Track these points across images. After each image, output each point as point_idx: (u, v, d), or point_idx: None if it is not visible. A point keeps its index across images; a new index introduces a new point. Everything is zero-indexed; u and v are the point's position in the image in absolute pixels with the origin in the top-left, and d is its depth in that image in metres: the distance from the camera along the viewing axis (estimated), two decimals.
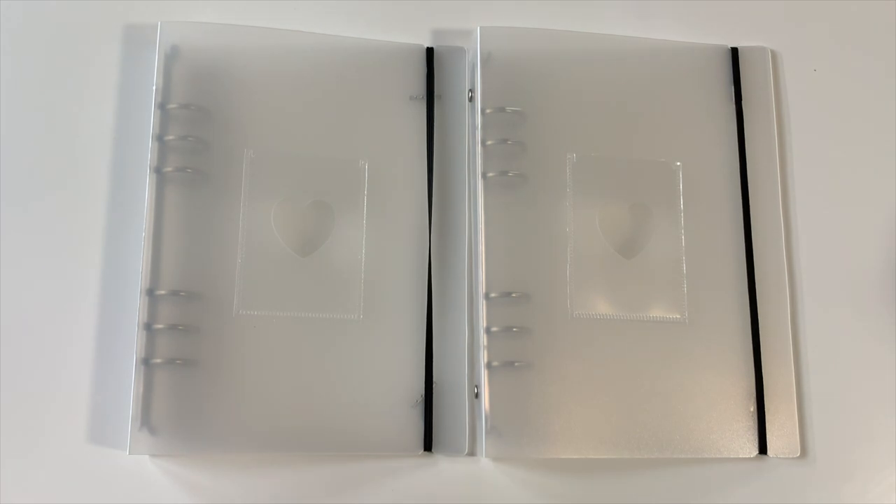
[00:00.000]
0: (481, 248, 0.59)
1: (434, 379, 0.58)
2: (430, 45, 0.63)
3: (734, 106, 0.65)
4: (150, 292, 0.55)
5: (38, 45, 0.61)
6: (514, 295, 0.58)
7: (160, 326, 0.55)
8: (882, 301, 0.63)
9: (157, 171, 0.57)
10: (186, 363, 0.55)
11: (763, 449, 0.59)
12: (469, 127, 0.62)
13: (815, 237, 0.63)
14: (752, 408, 0.59)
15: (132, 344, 0.54)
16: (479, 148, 0.60)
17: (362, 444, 0.56)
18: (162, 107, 0.58)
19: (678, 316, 0.60)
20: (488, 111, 0.61)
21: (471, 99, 0.62)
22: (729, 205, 0.63)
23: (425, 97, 0.62)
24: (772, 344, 0.61)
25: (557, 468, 0.58)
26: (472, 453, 0.57)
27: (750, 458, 0.59)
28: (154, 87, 0.58)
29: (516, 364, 0.57)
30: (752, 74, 0.66)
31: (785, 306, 0.62)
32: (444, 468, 0.57)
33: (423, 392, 0.58)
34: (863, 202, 0.65)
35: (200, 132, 0.58)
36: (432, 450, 0.57)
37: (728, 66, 0.65)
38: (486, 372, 0.57)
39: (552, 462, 0.58)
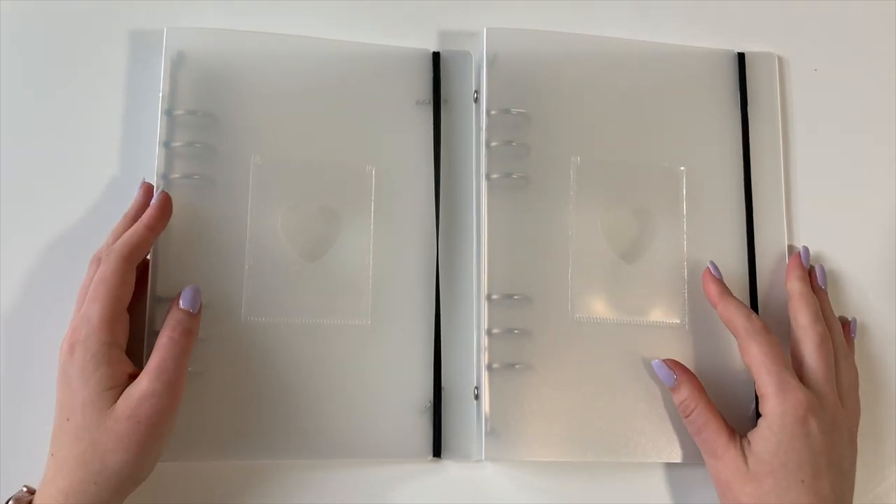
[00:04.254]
0: (483, 249, 0.59)
1: (443, 384, 0.59)
2: (436, 50, 0.63)
3: (740, 111, 0.65)
4: (159, 299, 0.55)
5: (43, 51, 0.60)
6: (515, 297, 0.59)
7: None
8: (884, 306, 0.64)
9: (165, 177, 0.56)
10: (194, 370, 0.55)
11: None
12: (474, 128, 0.62)
13: (819, 244, 0.64)
14: (752, 411, 0.60)
15: (140, 350, 0.54)
16: (483, 149, 0.60)
17: (371, 450, 0.57)
18: (168, 113, 0.57)
19: (678, 321, 0.61)
20: (493, 112, 0.61)
21: (476, 100, 0.62)
22: (732, 210, 0.63)
23: (432, 102, 0.62)
24: None
25: (569, 474, 0.59)
26: (480, 459, 0.58)
27: None
28: (160, 94, 0.57)
29: (517, 366, 0.58)
30: (759, 80, 0.66)
31: (786, 312, 0.62)
32: (453, 474, 0.58)
33: (431, 397, 0.58)
34: (868, 209, 0.66)
35: (207, 138, 0.58)
36: (441, 456, 0.58)
37: (734, 72, 0.65)
38: (486, 374, 0.57)
39: (563, 467, 0.59)
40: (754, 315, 0.57)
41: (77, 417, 0.49)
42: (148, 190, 0.56)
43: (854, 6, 0.69)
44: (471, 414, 0.58)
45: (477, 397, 0.58)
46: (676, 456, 0.59)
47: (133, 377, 0.50)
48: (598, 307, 0.60)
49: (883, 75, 0.68)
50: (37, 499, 0.49)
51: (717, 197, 0.63)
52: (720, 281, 0.59)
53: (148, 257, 0.56)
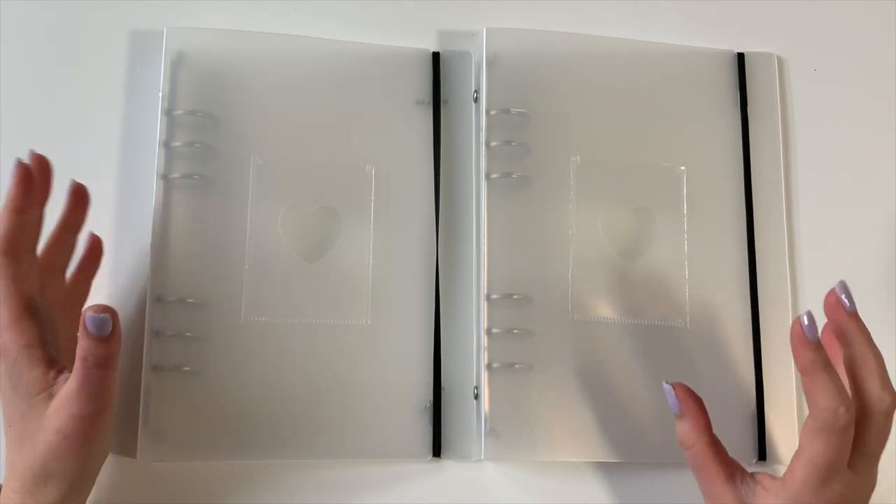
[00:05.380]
0: (483, 248, 0.59)
1: (443, 384, 0.59)
2: (436, 50, 0.63)
3: (739, 111, 0.65)
4: (159, 299, 0.55)
5: (43, 51, 0.60)
6: (515, 297, 0.59)
7: (169, 334, 0.55)
8: (884, 306, 0.64)
9: (164, 177, 0.56)
10: (195, 370, 0.55)
11: (762, 454, 0.60)
12: (474, 128, 0.62)
13: (819, 243, 0.64)
14: (752, 413, 0.60)
15: (140, 351, 0.54)
16: (483, 149, 0.60)
17: (371, 450, 0.57)
18: (168, 113, 0.57)
19: (679, 321, 0.61)
20: (493, 112, 0.61)
21: (476, 100, 0.62)
22: (733, 210, 0.63)
23: (432, 102, 0.62)
24: (773, 350, 0.61)
25: (568, 474, 0.59)
26: (480, 458, 0.58)
27: (749, 465, 0.59)
28: (160, 94, 0.57)
29: (517, 366, 0.58)
30: (759, 80, 0.66)
31: (787, 312, 0.62)
32: (453, 474, 0.58)
33: (431, 397, 0.58)
34: (867, 209, 0.66)
35: (207, 138, 0.58)
36: (441, 456, 0.58)
37: (734, 72, 0.65)
38: (486, 373, 0.57)
39: (563, 467, 0.59)
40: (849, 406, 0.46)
41: (17, 424, 0.47)
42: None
43: (854, 6, 0.69)
44: (471, 414, 0.58)
45: (477, 397, 0.58)
46: (676, 457, 0.58)
47: (61, 372, 0.48)
48: (599, 307, 0.60)
49: (883, 75, 0.68)
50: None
51: (717, 197, 0.63)
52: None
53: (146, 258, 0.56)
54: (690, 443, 0.51)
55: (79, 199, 0.53)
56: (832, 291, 0.49)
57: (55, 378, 0.47)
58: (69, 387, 0.46)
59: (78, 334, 0.46)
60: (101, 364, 0.46)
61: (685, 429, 0.51)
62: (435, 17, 0.64)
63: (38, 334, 0.48)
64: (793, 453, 0.60)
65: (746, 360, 0.61)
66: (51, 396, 0.47)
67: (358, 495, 0.57)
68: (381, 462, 0.57)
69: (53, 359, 0.48)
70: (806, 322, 0.46)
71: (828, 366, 0.46)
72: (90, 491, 0.51)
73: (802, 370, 0.47)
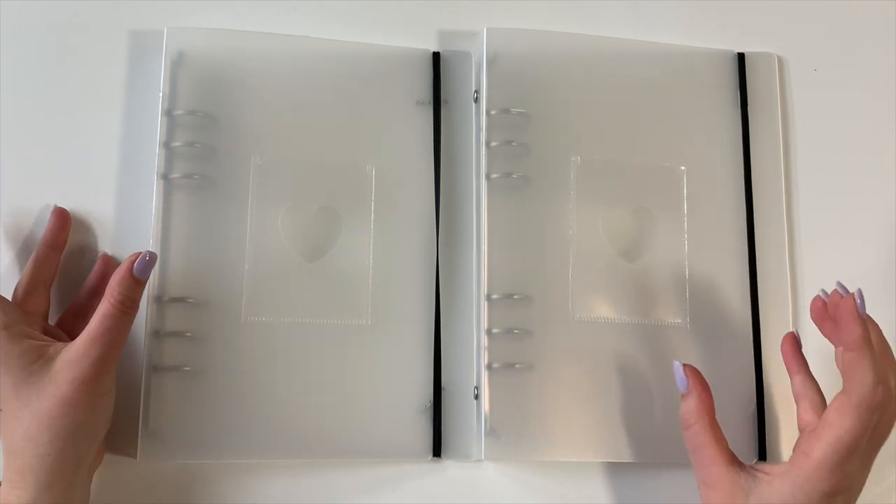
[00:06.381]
0: (484, 248, 0.59)
1: (443, 384, 0.59)
2: (436, 50, 0.63)
3: (739, 111, 0.65)
4: (158, 299, 0.55)
5: (43, 51, 0.60)
6: (515, 297, 0.59)
7: (168, 334, 0.55)
8: (884, 306, 0.64)
9: (165, 177, 0.57)
10: (195, 370, 0.55)
11: (763, 454, 0.60)
12: (474, 128, 0.62)
13: (819, 243, 0.64)
14: (752, 413, 0.60)
15: (140, 351, 0.55)
16: (483, 149, 0.60)
17: (371, 450, 0.57)
18: (169, 113, 0.57)
19: (679, 321, 0.61)
20: (493, 112, 0.61)
21: (476, 100, 0.62)
22: (733, 210, 0.63)
23: (432, 102, 0.62)
24: (773, 349, 0.61)
25: (568, 474, 0.59)
26: (480, 459, 0.58)
27: (749, 464, 0.59)
28: (161, 94, 0.57)
29: (517, 366, 0.58)
30: (759, 80, 0.66)
31: (787, 312, 0.62)
32: (453, 474, 0.58)
33: (431, 397, 0.58)
34: (867, 209, 0.66)
35: (207, 138, 0.58)
36: (441, 456, 0.58)
37: (734, 72, 0.65)
38: (486, 373, 0.57)
39: (563, 467, 0.59)
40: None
41: (11, 401, 0.48)
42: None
43: (854, 6, 0.69)
44: (471, 414, 0.58)
45: (477, 397, 0.58)
46: (676, 457, 0.58)
47: (48, 343, 0.50)
48: (599, 307, 0.60)
49: (883, 75, 0.68)
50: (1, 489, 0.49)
51: (718, 197, 0.63)
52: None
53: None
54: (692, 421, 0.52)
55: (61, 220, 0.56)
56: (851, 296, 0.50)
57: (45, 348, 0.49)
58: (90, 334, 0.49)
59: (111, 281, 0.50)
60: (133, 307, 0.50)
61: (689, 407, 0.52)
62: (435, 17, 0.64)
63: (7, 318, 0.50)
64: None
65: (746, 360, 0.61)
66: (50, 360, 0.49)
67: (358, 495, 0.57)
68: (381, 462, 0.58)
69: (34, 333, 0.51)
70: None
71: (871, 343, 0.48)
72: (90, 477, 0.51)
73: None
